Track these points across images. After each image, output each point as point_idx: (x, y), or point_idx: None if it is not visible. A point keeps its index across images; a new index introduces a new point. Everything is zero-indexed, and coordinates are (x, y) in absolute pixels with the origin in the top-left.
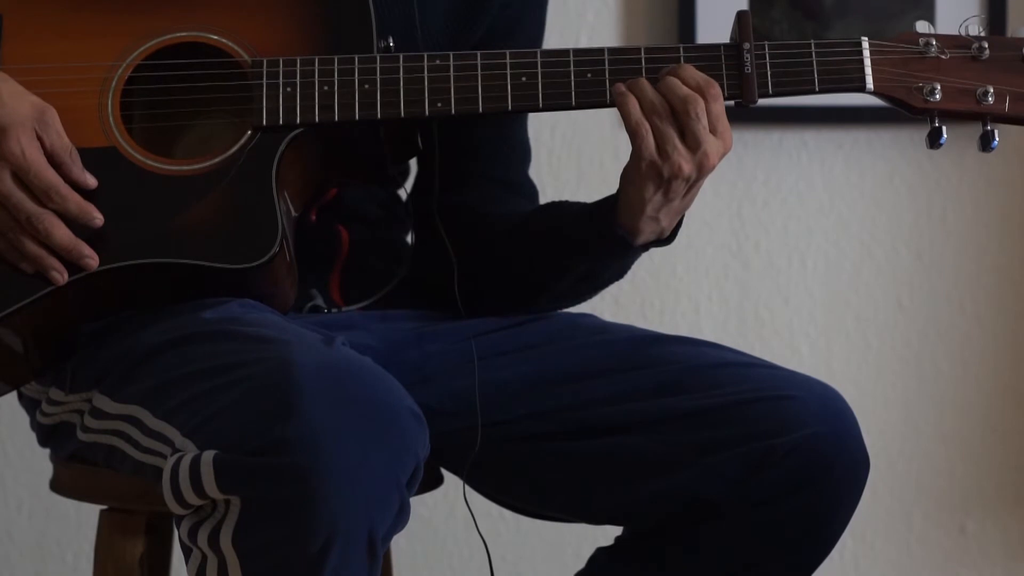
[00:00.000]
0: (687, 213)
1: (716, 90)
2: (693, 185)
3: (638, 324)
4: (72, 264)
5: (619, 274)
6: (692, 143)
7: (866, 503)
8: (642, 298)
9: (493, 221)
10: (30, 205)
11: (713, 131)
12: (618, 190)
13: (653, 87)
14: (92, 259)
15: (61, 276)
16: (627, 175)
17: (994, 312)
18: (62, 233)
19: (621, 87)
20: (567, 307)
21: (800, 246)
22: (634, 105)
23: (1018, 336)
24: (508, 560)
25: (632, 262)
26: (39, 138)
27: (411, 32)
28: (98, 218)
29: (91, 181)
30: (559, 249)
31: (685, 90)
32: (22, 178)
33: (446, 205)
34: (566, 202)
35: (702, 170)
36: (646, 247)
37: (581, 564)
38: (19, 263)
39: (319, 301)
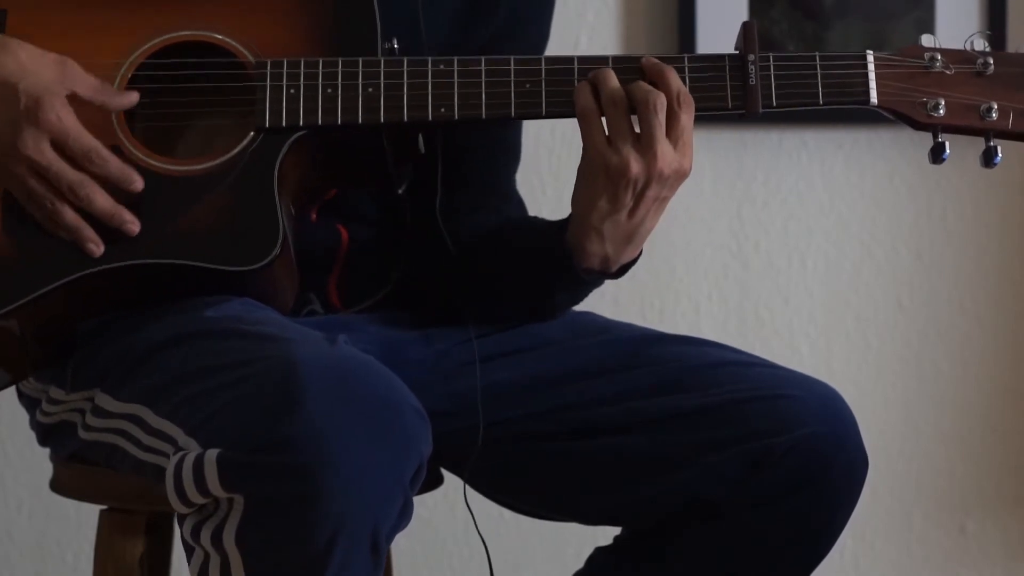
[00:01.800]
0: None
1: (690, 102)
2: (641, 197)
3: (638, 324)
4: (114, 231)
5: (571, 300)
6: (645, 140)
7: (866, 503)
8: (642, 298)
9: (478, 227)
10: (71, 172)
11: (674, 141)
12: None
13: (619, 82)
14: (133, 224)
15: (98, 248)
16: (577, 177)
17: (994, 312)
18: (103, 199)
19: (582, 83)
20: (527, 322)
21: (800, 246)
22: (588, 92)
23: (1018, 336)
24: (508, 560)
25: (581, 290)
26: (72, 94)
27: (416, 34)
28: (138, 181)
29: (134, 97)
30: (512, 262)
31: (651, 88)
32: (61, 144)
33: (441, 208)
34: (538, 219)
35: (650, 175)
36: (589, 273)
37: (581, 564)
38: (56, 232)
39: (317, 307)
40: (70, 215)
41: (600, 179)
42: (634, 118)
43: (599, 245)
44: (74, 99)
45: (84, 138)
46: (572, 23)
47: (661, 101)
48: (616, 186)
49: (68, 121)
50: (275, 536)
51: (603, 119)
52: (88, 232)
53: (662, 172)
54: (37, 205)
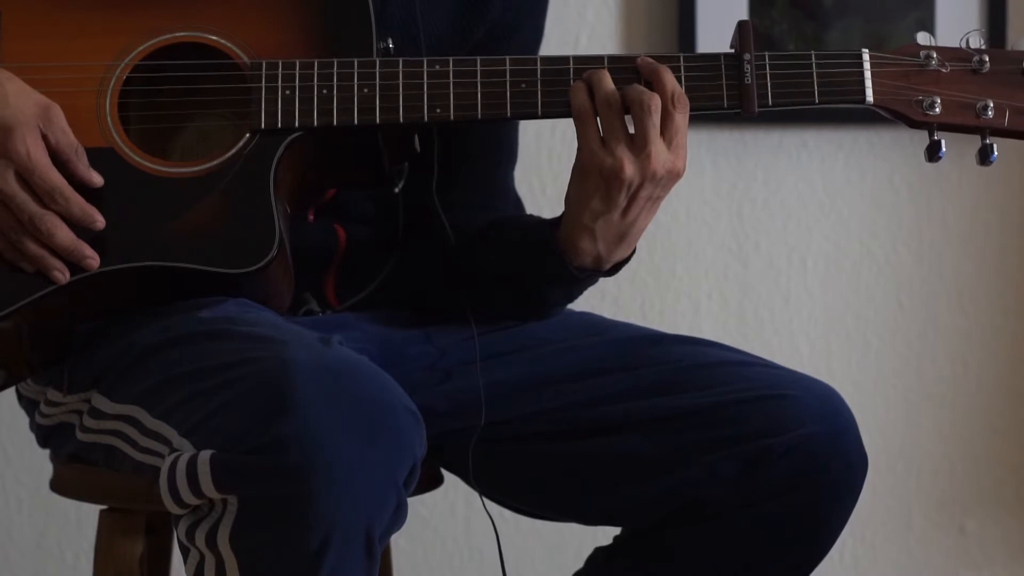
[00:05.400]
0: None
1: (685, 102)
2: (634, 198)
3: (638, 324)
4: (73, 265)
5: (565, 298)
6: (639, 141)
7: (866, 503)
8: (642, 298)
9: (474, 224)
10: (33, 206)
11: (668, 141)
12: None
13: (614, 84)
14: (93, 259)
15: (63, 276)
16: (571, 176)
17: (994, 312)
18: (64, 234)
19: (577, 83)
20: (520, 321)
21: (800, 246)
22: (584, 92)
23: (1018, 336)
24: (508, 560)
25: (575, 288)
26: (44, 137)
27: (412, 32)
28: (100, 221)
29: (97, 179)
30: (506, 259)
31: (645, 89)
32: (26, 179)
33: (432, 205)
34: (532, 216)
35: (644, 176)
36: (582, 271)
37: (581, 564)
38: (19, 263)
39: (314, 306)
40: (32, 246)
41: (593, 179)
42: (629, 118)
43: (591, 244)
44: (45, 141)
45: (50, 175)
46: (572, 23)
47: (656, 102)
48: (609, 186)
49: (36, 156)
50: (269, 537)
51: (598, 119)
52: (52, 261)
53: (656, 173)
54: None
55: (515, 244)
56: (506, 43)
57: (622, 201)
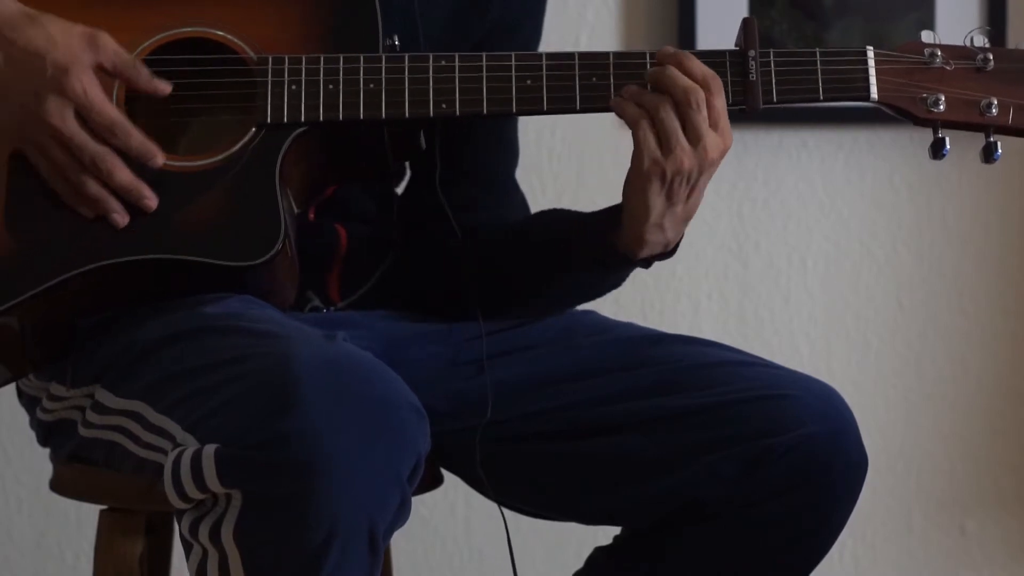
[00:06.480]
0: (690, 225)
1: (719, 83)
2: (695, 186)
3: (638, 324)
4: (132, 205)
5: (615, 285)
6: (693, 136)
7: (866, 503)
8: (642, 298)
9: (480, 224)
10: (94, 145)
11: (713, 126)
12: (621, 202)
13: (650, 88)
14: (151, 200)
15: (122, 218)
16: (630, 183)
17: (994, 312)
18: (124, 173)
19: (618, 98)
20: (559, 313)
21: (800, 246)
22: (632, 106)
23: (1018, 336)
24: (508, 559)
25: (629, 273)
26: (99, 64)
27: (412, 33)
28: (159, 157)
29: (164, 87)
30: (560, 262)
31: (686, 80)
32: (84, 116)
33: (436, 204)
34: (566, 211)
35: (702, 166)
36: (648, 261)
37: (581, 564)
38: (78, 205)
39: (316, 303)
40: (93, 187)
41: (655, 183)
42: None
43: (661, 235)
44: (100, 71)
45: (107, 110)
46: (572, 23)
47: (701, 96)
48: (672, 184)
49: (92, 92)
50: (273, 532)
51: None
52: (112, 203)
53: (713, 161)
54: (61, 177)
55: (566, 248)
56: (506, 44)
57: (684, 192)
